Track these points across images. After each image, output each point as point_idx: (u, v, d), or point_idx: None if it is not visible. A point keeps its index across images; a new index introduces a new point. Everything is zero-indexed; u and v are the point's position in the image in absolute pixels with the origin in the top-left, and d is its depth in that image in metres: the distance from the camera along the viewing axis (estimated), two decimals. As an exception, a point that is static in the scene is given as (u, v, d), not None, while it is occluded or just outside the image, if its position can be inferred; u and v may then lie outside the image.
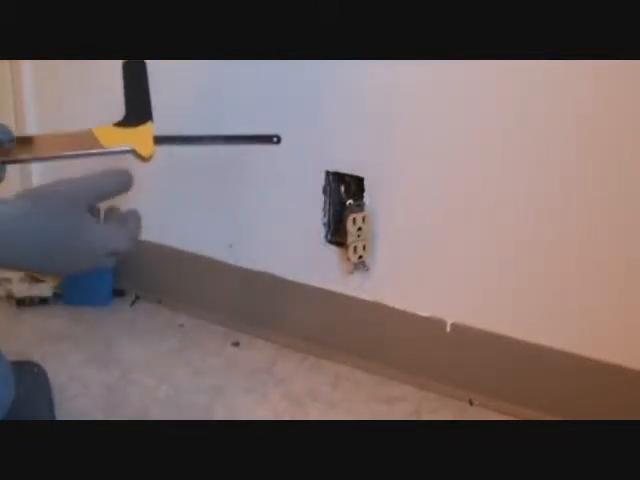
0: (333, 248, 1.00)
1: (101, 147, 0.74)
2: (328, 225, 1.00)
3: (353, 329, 1.03)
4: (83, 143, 0.74)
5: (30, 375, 0.90)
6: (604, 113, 0.79)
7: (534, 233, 0.87)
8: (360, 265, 0.97)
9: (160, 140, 0.76)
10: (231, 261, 1.09)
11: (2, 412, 0.74)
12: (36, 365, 0.93)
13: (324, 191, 0.98)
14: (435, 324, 0.96)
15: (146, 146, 0.75)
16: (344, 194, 0.98)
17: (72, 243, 0.63)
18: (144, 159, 0.75)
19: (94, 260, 0.66)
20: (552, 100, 0.81)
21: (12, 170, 0.74)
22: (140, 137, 0.75)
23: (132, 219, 0.69)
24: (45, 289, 1.16)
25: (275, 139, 0.79)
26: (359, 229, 0.95)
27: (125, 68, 0.79)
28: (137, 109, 0.77)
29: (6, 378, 0.77)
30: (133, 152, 0.74)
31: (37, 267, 0.66)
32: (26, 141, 0.76)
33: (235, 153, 1.00)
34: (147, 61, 0.78)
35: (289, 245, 1.04)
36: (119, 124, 0.76)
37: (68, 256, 0.64)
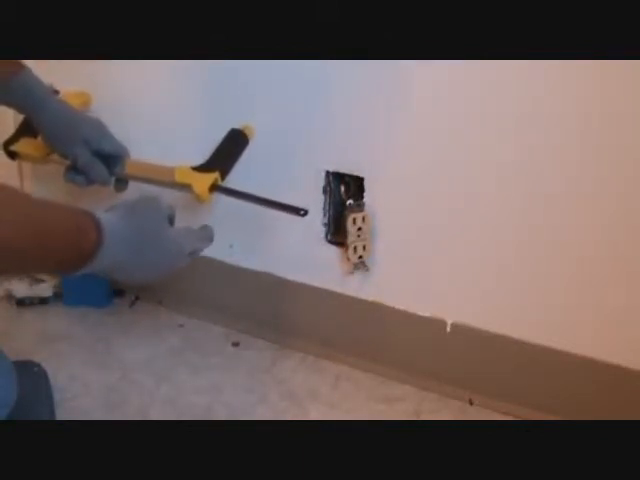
0: (333, 248, 1.00)
1: (173, 180, 0.88)
2: (328, 225, 1.00)
3: (353, 329, 1.03)
4: (162, 174, 0.89)
5: (30, 375, 0.90)
6: (606, 113, 0.79)
7: (534, 233, 0.86)
8: (360, 265, 0.97)
9: (215, 188, 0.88)
10: (231, 261, 1.09)
11: (6, 411, 0.74)
12: (36, 365, 0.93)
13: (324, 191, 0.98)
14: (435, 324, 0.96)
15: (202, 188, 0.87)
16: (344, 194, 0.98)
17: (164, 244, 0.71)
18: (199, 198, 0.87)
19: (181, 259, 0.74)
20: (553, 100, 0.81)
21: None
22: (202, 180, 0.87)
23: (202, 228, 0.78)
24: (45, 289, 1.16)
25: (302, 212, 0.88)
26: (359, 229, 0.95)
27: (231, 132, 0.93)
28: (216, 162, 0.90)
29: (9, 378, 0.77)
30: (191, 189, 0.87)
31: (142, 271, 0.72)
32: (137, 165, 0.92)
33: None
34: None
35: (289, 245, 1.04)
36: (195, 168, 0.89)
37: (163, 255, 0.71)
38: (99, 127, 0.89)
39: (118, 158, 0.89)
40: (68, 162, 0.88)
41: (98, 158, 0.87)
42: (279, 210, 0.89)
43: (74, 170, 0.87)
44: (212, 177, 0.88)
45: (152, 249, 0.70)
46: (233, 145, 0.94)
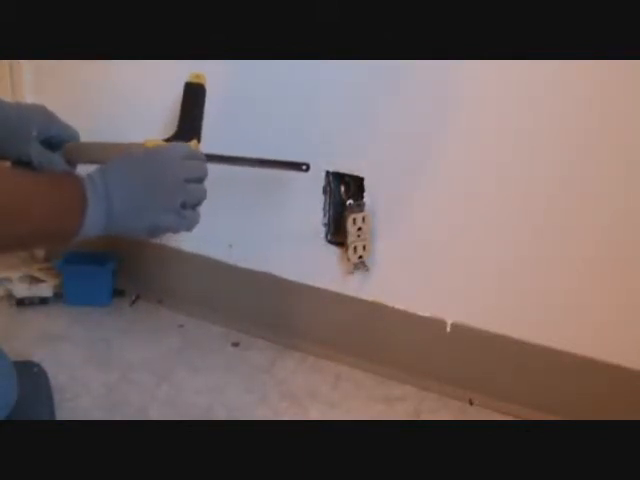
0: (333, 248, 1.00)
1: None
2: (328, 225, 1.00)
3: (353, 329, 1.03)
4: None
5: (30, 375, 0.90)
6: (606, 113, 0.79)
7: (534, 233, 0.87)
8: (360, 265, 0.97)
9: None
10: (231, 261, 1.09)
11: (6, 411, 0.74)
12: (36, 365, 0.93)
13: (324, 191, 0.98)
14: (435, 324, 0.96)
15: None
16: (344, 194, 0.98)
17: (159, 172, 0.68)
18: None
19: (178, 191, 0.69)
20: (552, 100, 0.81)
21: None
22: None
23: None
24: (45, 289, 1.16)
25: (304, 167, 0.83)
26: (359, 229, 0.95)
27: (186, 88, 0.85)
28: (187, 127, 0.83)
29: (9, 378, 0.77)
30: None
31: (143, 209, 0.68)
32: (83, 146, 0.84)
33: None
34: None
35: (289, 245, 1.04)
36: (168, 139, 0.81)
37: (160, 190, 0.68)
38: (45, 114, 0.82)
39: (67, 142, 0.83)
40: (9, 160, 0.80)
41: (49, 148, 0.81)
42: (278, 168, 0.83)
43: (23, 165, 0.80)
44: (192, 145, 0.81)
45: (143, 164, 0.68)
46: (195, 102, 0.86)
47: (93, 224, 0.66)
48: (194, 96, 0.85)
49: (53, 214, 0.63)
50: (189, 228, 0.72)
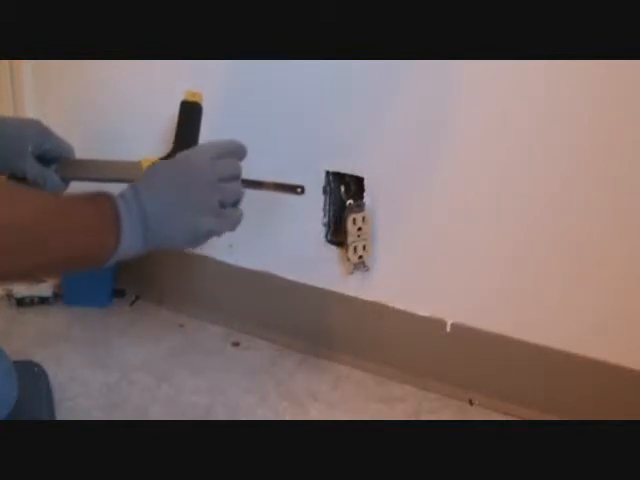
0: (333, 248, 1.00)
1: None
2: (328, 225, 1.00)
3: (353, 329, 1.03)
4: (130, 172, 0.79)
5: (30, 375, 0.90)
6: (607, 112, 0.79)
7: (534, 233, 0.87)
8: (360, 265, 0.97)
9: None
10: (231, 261, 1.09)
11: (6, 411, 0.74)
12: (36, 365, 0.93)
13: (324, 191, 0.98)
14: (435, 324, 0.96)
15: None
16: (344, 194, 0.98)
17: (189, 175, 0.67)
18: None
19: (213, 191, 0.68)
20: (552, 100, 0.81)
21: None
22: None
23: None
24: (45, 289, 1.16)
25: (299, 190, 0.82)
26: (359, 229, 0.95)
27: (182, 106, 0.84)
28: (182, 146, 0.81)
29: (9, 377, 0.77)
30: None
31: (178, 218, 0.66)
32: (77, 163, 0.84)
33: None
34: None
35: (289, 245, 1.04)
36: (164, 158, 0.80)
37: (191, 193, 0.66)
38: (40, 129, 0.81)
39: (61, 158, 0.83)
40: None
41: (43, 163, 0.80)
42: (272, 190, 0.83)
43: (18, 180, 0.80)
44: None
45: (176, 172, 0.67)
46: (192, 120, 0.86)
47: (131, 243, 0.63)
48: (190, 115, 0.85)
49: (85, 238, 0.61)
50: (232, 227, 0.70)
